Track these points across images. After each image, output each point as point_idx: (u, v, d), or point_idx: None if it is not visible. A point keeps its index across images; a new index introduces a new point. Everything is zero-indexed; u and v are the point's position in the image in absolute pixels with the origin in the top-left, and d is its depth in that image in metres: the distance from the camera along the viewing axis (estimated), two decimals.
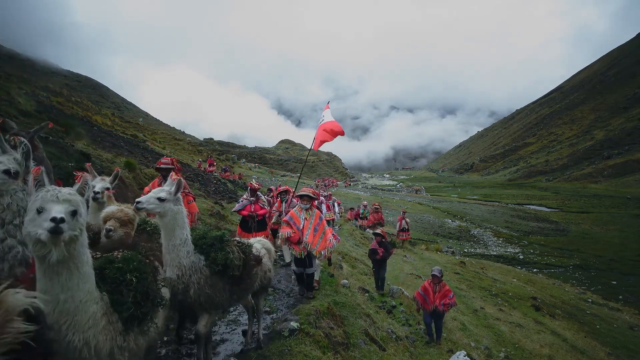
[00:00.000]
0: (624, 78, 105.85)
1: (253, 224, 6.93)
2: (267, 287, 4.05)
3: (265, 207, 7.33)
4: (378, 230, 8.89)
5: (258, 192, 7.32)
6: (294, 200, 7.25)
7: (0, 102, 10.51)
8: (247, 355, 3.61)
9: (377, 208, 15.43)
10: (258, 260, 3.48)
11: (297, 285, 5.90)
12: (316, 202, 6.27)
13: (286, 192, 7.77)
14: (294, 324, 4.07)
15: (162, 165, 5.33)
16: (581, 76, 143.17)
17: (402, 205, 40.30)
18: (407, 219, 17.53)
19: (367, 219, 18.21)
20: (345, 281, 7.08)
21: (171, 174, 4.93)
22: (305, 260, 5.27)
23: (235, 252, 3.12)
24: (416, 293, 6.92)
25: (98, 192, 3.32)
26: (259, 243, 3.94)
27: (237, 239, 3.48)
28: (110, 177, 3.67)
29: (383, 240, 8.51)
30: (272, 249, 4.21)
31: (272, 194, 9.65)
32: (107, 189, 3.37)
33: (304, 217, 5.31)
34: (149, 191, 4.34)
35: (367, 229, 18.06)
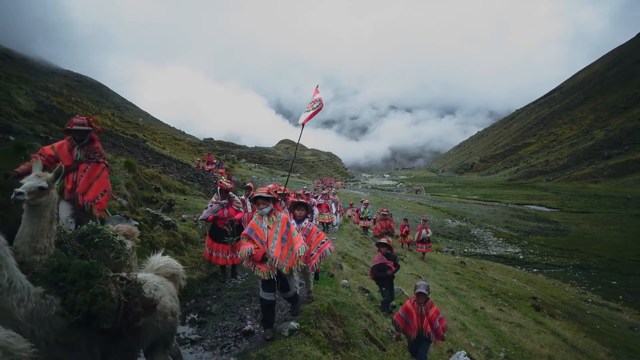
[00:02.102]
0: (624, 78, 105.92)
1: (230, 229, 5.96)
2: (168, 338, 2.79)
3: (241, 209, 6.34)
4: (383, 240, 7.26)
5: (231, 194, 6.17)
6: (283, 202, 6.50)
7: (1, 102, 10.52)
8: (247, 356, 3.61)
9: (386, 214, 13.11)
10: (149, 306, 2.41)
11: (287, 304, 4.59)
12: (291, 203, 5.31)
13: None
14: (294, 324, 4.07)
15: (74, 127, 4.04)
16: (581, 76, 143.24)
17: (402, 205, 40.31)
18: (429, 229, 15.42)
19: (368, 219, 17.45)
20: (345, 281, 7.07)
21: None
22: (274, 283, 4.03)
23: (111, 293, 2.19)
24: (396, 315, 5.34)
25: (21, 193, 2.36)
26: (157, 274, 2.85)
27: (123, 274, 2.49)
28: (52, 174, 2.63)
29: (389, 252, 7.00)
30: (180, 270, 3.13)
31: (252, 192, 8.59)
32: (42, 188, 2.45)
33: (265, 226, 4.08)
34: (52, 154, 3.99)
35: (367, 229, 17.37)
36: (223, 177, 5.84)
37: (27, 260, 2.30)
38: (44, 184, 2.44)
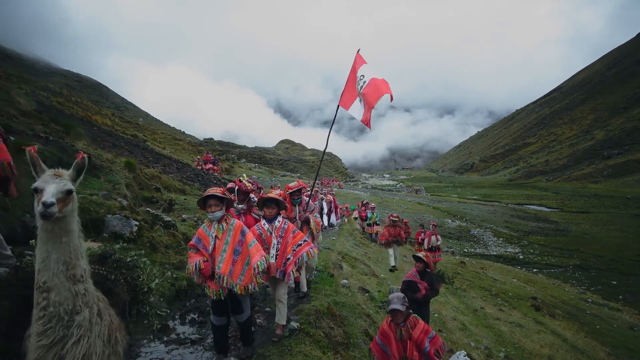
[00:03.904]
0: (624, 78, 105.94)
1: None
2: None
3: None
4: (421, 253, 5.91)
5: (252, 196, 5.03)
6: (311, 203, 5.45)
7: (1, 102, 10.52)
8: (247, 356, 3.62)
9: (396, 220, 11.43)
10: None
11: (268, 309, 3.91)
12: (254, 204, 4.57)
13: (299, 191, 5.31)
14: (294, 324, 4.07)
15: None
16: (581, 76, 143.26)
17: (402, 205, 40.30)
18: (439, 235, 13.44)
19: (376, 224, 15.80)
20: (345, 281, 7.07)
21: None
22: (225, 304, 3.40)
23: None
24: (372, 344, 3.89)
25: (51, 204, 1.68)
26: None
27: None
28: (71, 169, 1.92)
29: (427, 269, 5.71)
30: None
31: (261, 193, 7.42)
32: (70, 192, 1.82)
33: (214, 235, 3.39)
34: None
35: (374, 239, 15.26)
36: (244, 175, 4.92)
37: (65, 295, 1.72)
38: (70, 186, 1.80)
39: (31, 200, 3.03)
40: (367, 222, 16.31)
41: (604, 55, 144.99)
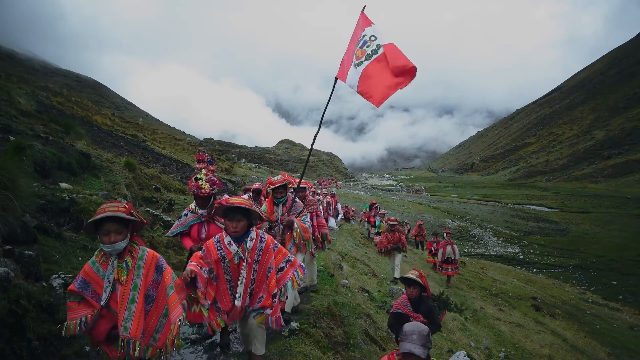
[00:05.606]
0: (624, 78, 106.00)
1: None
2: None
3: None
4: (412, 274, 3.92)
5: (217, 198, 3.56)
6: (297, 202, 4.36)
7: (1, 102, 10.52)
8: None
9: (394, 224, 9.95)
10: None
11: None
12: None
13: (284, 187, 4.21)
14: (294, 324, 4.06)
15: None
16: (581, 76, 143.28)
17: (403, 205, 40.28)
18: (455, 246, 11.77)
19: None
20: (345, 281, 7.07)
21: None
22: None
23: None
24: None
25: None
26: None
27: None
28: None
29: (424, 294, 3.93)
30: None
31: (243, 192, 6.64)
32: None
33: (112, 277, 2.18)
34: None
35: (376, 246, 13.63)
36: (203, 171, 3.50)
37: None
38: None
39: (31, 200, 3.03)
40: (377, 230, 15.17)
41: (604, 55, 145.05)
